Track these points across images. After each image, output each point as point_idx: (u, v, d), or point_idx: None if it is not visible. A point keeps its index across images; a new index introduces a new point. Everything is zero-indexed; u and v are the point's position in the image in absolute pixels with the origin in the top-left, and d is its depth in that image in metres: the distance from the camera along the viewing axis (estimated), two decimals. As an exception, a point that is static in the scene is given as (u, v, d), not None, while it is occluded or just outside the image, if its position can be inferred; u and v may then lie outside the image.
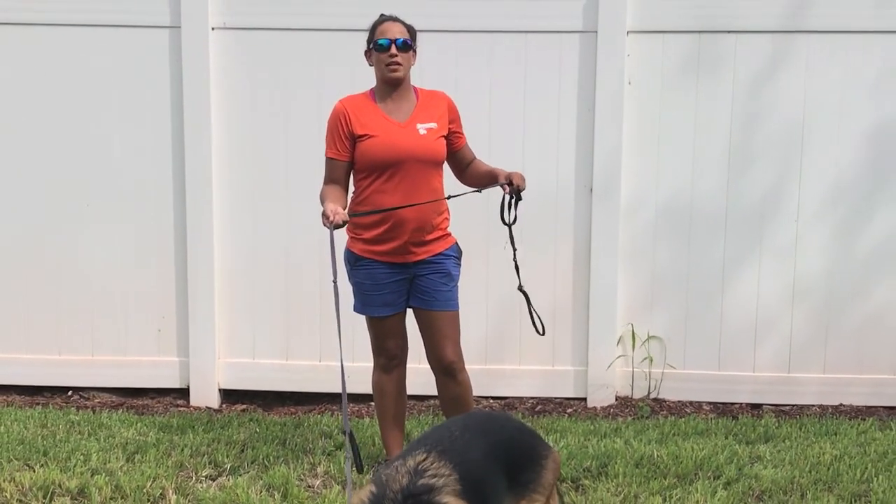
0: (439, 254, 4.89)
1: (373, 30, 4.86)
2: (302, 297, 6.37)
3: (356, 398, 6.42)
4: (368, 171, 4.81)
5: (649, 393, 6.35)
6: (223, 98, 6.23)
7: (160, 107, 6.25)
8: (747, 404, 6.35)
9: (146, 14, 6.20)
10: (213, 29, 6.16)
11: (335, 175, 4.88)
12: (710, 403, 6.36)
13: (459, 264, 5.02)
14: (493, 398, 6.35)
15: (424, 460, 3.00)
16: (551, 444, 3.53)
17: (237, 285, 6.37)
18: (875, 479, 4.97)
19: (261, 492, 4.75)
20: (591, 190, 6.15)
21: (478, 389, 6.28)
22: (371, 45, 4.84)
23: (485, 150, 6.12)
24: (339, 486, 4.84)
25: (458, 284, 4.99)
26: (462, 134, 5.01)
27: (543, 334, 5.06)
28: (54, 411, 6.09)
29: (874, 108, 6.12)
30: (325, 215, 4.60)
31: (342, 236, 4.80)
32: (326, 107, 6.12)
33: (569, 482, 4.95)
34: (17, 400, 6.39)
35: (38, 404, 6.29)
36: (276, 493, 4.72)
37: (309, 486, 4.88)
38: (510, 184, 4.83)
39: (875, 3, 6.00)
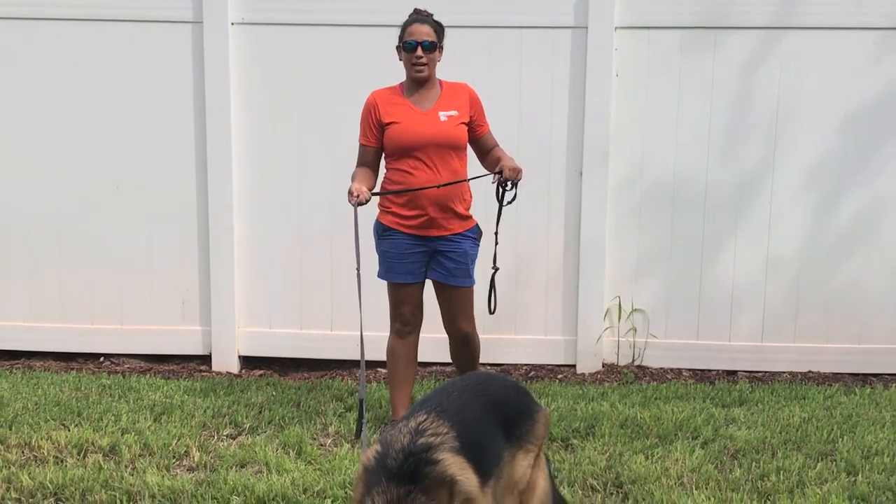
0: (459, 234, 4.99)
1: (403, 28, 4.97)
2: (314, 272, 6.38)
3: (367, 364, 6.40)
4: (395, 154, 4.95)
5: (633, 360, 6.36)
6: (242, 88, 6.21)
7: (183, 98, 6.23)
8: (723, 371, 6.36)
9: (171, 10, 6.18)
10: (232, 24, 6.14)
11: (365, 159, 5.03)
12: (689, 370, 6.37)
13: (478, 244, 5.10)
14: (490, 364, 6.36)
15: (424, 420, 3.01)
16: (542, 404, 3.55)
17: (255, 261, 6.37)
18: (840, 439, 4.99)
19: (277, 450, 4.77)
20: (581, 174, 6.14)
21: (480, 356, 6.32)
22: (400, 43, 4.96)
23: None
24: (349, 445, 4.86)
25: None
26: (484, 123, 5.10)
27: (493, 314, 5.19)
28: (87, 376, 6.10)
29: (846, 99, 6.10)
30: (350, 193, 4.78)
31: (365, 226, 4.83)
32: (338, 95, 6.19)
33: (559, 441, 4.97)
34: (53, 366, 6.40)
35: (72, 369, 6.31)
36: (290, 451, 4.74)
37: (321, 445, 4.90)
38: (500, 173, 4.89)
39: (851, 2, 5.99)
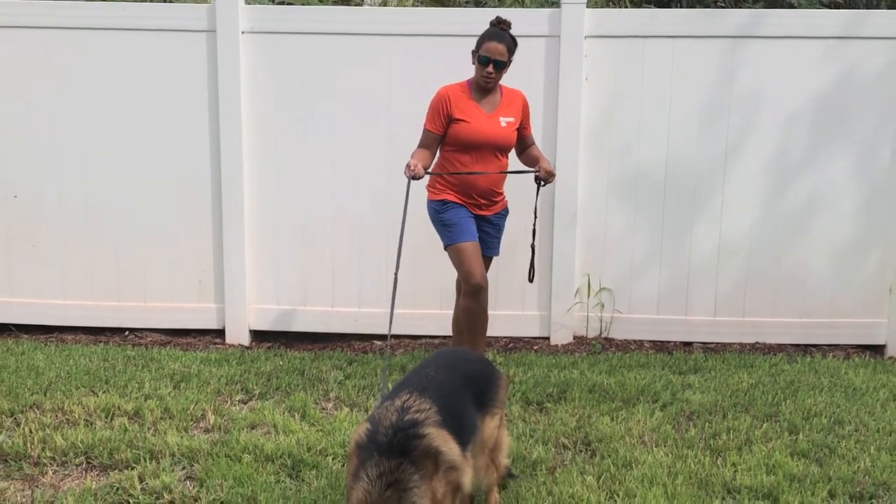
0: (497, 213, 5.26)
1: (482, 39, 5.04)
2: (317, 254, 6.37)
3: (364, 337, 6.44)
4: (457, 147, 5.09)
5: (601, 333, 6.38)
6: (252, 91, 6.18)
7: (199, 99, 6.19)
8: (680, 342, 6.38)
9: (187, 20, 6.13)
10: (242, 33, 6.11)
11: (427, 143, 5.11)
12: (650, 342, 6.39)
13: (506, 219, 5.38)
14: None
15: (408, 399, 3.04)
16: (509, 373, 3.55)
17: (263, 245, 6.36)
18: (783, 402, 5.03)
19: (283, 413, 4.78)
20: (555, 167, 6.13)
21: (461, 330, 6.32)
22: (476, 52, 5.06)
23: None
24: (348, 409, 4.87)
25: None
26: (529, 126, 5.30)
27: (532, 281, 5.44)
28: (114, 348, 6.09)
29: (792, 100, 6.11)
30: (408, 165, 4.86)
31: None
32: (338, 97, 6.17)
33: (534, 405, 4.99)
34: (83, 339, 6.39)
35: (100, 342, 6.29)
36: (296, 414, 4.76)
37: (323, 409, 4.91)
38: (538, 172, 5.09)
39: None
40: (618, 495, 3.83)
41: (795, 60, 6.07)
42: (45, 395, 4.95)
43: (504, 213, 5.32)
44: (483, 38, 5.02)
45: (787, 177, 6.19)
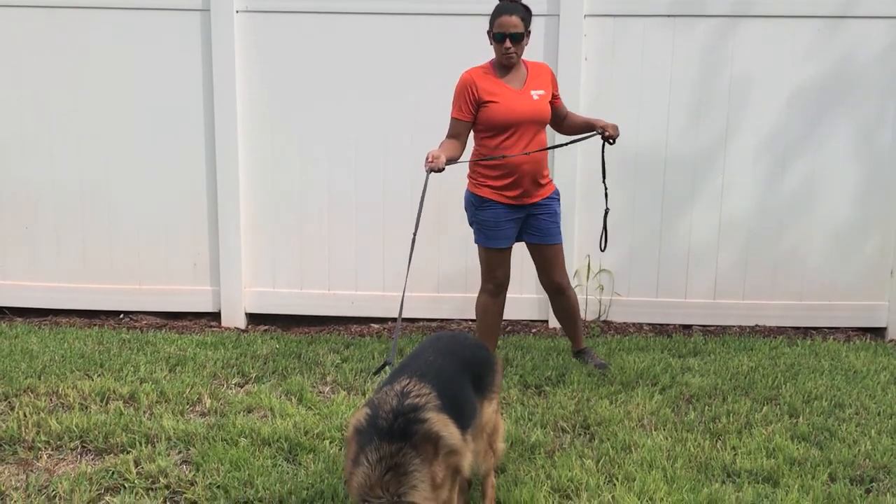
0: (548, 197, 5.06)
1: (493, 16, 4.91)
2: (313, 237, 6.35)
3: (361, 320, 6.43)
4: (493, 130, 4.91)
5: (600, 316, 6.37)
6: (247, 71, 6.14)
7: (194, 79, 6.16)
8: (680, 325, 6.38)
9: (182, -1, 6.12)
10: (237, 12, 6.07)
11: (456, 131, 4.94)
12: (649, 324, 6.39)
13: (560, 203, 5.19)
14: (471, 320, 6.35)
15: (408, 384, 3.02)
16: (507, 357, 3.54)
17: (259, 227, 6.34)
18: (783, 385, 5.03)
19: (280, 396, 4.77)
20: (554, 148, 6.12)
21: (458, 313, 6.34)
22: (490, 32, 4.92)
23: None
24: (345, 392, 4.86)
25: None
26: (559, 96, 5.14)
27: (603, 251, 5.43)
28: (109, 331, 6.08)
29: (792, 80, 6.08)
30: (427, 158, 4.64)
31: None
32: (337, 79, 6.13)
33: (533, 388, 4.99)
34: (78, 322, 6.37)
35: (95, 325, 6.28)
36: (293, 398, 4.75)
37: (320, 392, 4.90)
38: (603, 131, 4.97)
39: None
40: (617, 479, 3.82)
41: (795, 40, 6.04)
42: (40, 379, 4.93)
43: (555, 195, 5.12)
44: (494, 15, 4.87)
45: (787, 158, 6.17)
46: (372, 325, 6.39)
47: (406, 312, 6.24)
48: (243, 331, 6.29)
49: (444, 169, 4.67)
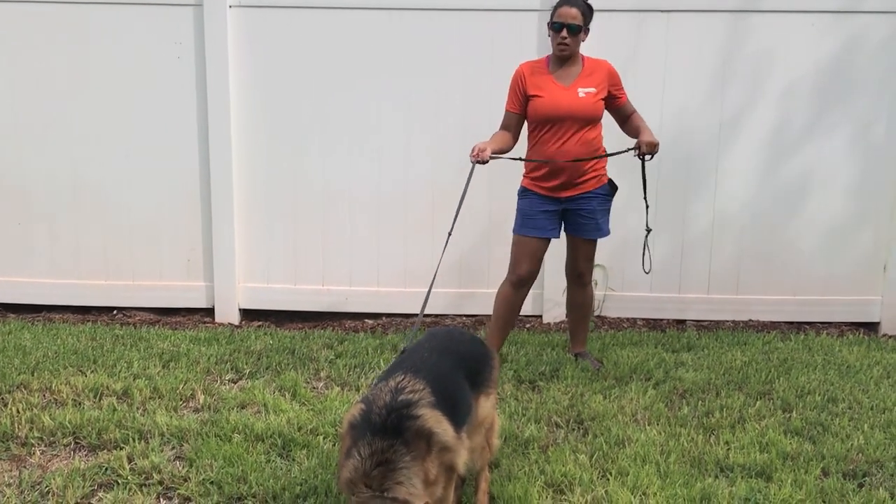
0: (589, 192, 5.05)
1: (555, 7, 4.95)
2: (307, 233, 6.34)
3: (355, 316, 6.42)
4: (536, 124, 5.00)
5: (594, 311, 6.37)
6: (240, 67, 6.13)
7: (187, 75, 6.14)
8: (673, 320, 6.39)
9: (175, -6, 6.10)
10: (230, 6, 6.05)
11: (507, 123, 5.08)
12: (643, 319, 6.40)
13: (610, 199, 5.19)
14: (466, 315, 6.37)
15: (402, 380, 3.02)
16: (501, 352, 3.53)
17: (253, 223, 6.33)
18: (777, 380, 5.04)
19: (274, 392, 4.77)
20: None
21: (452, 308, 6.35)
22: (549, 22, 4.95)
23: (459, 108, 6.11)
24: (339, 388, 4.86)
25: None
26: (621, 94, 5.10)
27: (648, 273, 5.35)
28: (102, 327, 6.07)
29: (787, 75, 6.09)
30: (472, 149, 4.77)
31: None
32: (330, 74, 6.12)
33: (527, 383, 4.99)
34: (71, 318, 6.36)
35: (88, 321, 6.27)
36: (286, 394, 4.74)
37: (314, 388, 4.89)
38: (638, 148, 4.95)
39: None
40: (610, 473, 3.83)
41: (793, 35, 6.04)
42: (33, 375, 4.92)
43: (598, 191, 5.08)
44: (556, 6, 4.94)
45: (783, 152, 6.18)
46: (366, 320, 6.38)
47: (401, 307, 6.29)
48: (237, 326, 6.28)
49: (488, 161, 4.78)
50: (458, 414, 3.11)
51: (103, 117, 6.22)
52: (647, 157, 4.98)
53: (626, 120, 5.15)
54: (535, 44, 6.00)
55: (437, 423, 2.92)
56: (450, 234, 4.52)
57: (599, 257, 6.22)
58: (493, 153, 4.81)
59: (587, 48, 5.17)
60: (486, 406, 3.42)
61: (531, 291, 6.21)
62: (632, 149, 4.98)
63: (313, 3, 6.07)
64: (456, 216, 4.59)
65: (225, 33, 6.04)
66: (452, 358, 3.37)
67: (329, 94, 6.16)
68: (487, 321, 6.27)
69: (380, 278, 6.36)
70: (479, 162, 4.73)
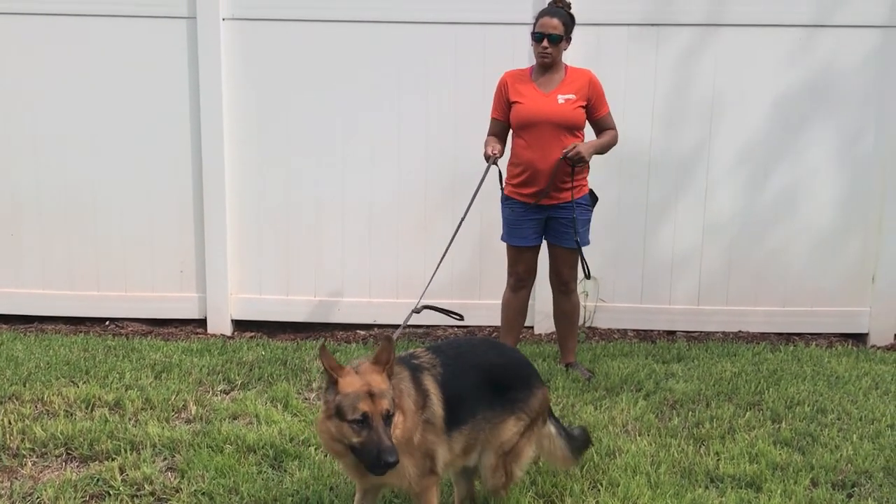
0: (570, 201, 5.06)
1: (536, 17, 5.08)
2: (299, 244, 6.34)
3: (347, 327, 6.41)
4: (517, 129, 5.07)
5: (584, 322, 6.36)
6: (233, 80, 6.13)
7: (180, 88, 6.14)
8: (664, 331, 6.39)
9: (168, 6, 6.07)
10: (223, 19, 6.06)
11: (494, 130, 5.20)
12: (633, 330, 6.40)
13: (590, 209, 5.23)
14: (456, 327, 6.36)
15: (423, 353, 3.29)
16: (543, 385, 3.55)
17: (245, 234, 6.32)
18: (766, 391, 5.05)
19: (266, 403, 4.76)
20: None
21: (446, 320, 6.30)
22: (532, 31, 5.06)
23: (450, 118, 6.13)
24: (331, 399, 4.85)
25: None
26: (601, 107, 5.14)
27: (588, 278, 5.25)
28: (94, 338, 6.05)
29: (773, 87, 6.11)
30: (487, 148, 5.00)
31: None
32: (319, 83, 6.13)
33: (518, 394, 4.98)
34: (63, 329, 6.34)
35: (80, 332, 6.24)
36: (278, 405, 4.73)
37: (306, 399, 4.89)
38: (566, 154, 4.96)
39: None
40: (601, 484, 3.83)
41: (776, 48, 6.07)
42: (25, 386, 4.90)
43: (582, 201, 5.11)
44: (538, 16, 5.07)
45: (770, 163, 6.20)
46: (358, 331, 6.38)
47: (392, 318, 6.27)
48: (229, 337, 6.27)
49: (496, 161, 4.99)
50: (458, 412, 3.20)
51: (96, 129, 6.21)
52: (572, 164, 4.94)
53: (599, 134, 5.20)
54: (526, 54, 6.01)
55: (433, 390, 3.15)
56: (460, 223, 4.79)
57: (591, 267, 6.25)
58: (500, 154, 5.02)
59: (589, 63, 5.22)
60: (512, 429, 3.37)
61: (522, 303, 6.25)
62: (566, 149, 4.94)
63: (304, 16, 6.09)
64: (467, 210, 4.83)
65: (218, 46, 6.05)
66: (484, 361, 3.45)
67: (320, 104, 6.16)
68: (479, 331, 6.29)
69: (371, 289, 6.36)
70: (494, 161, 4.94)
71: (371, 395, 2.85)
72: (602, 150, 5.13)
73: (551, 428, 3.57)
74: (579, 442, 3.72)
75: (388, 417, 2.86)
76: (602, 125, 5.17)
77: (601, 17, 6.04)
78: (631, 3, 6.07)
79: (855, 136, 6.16)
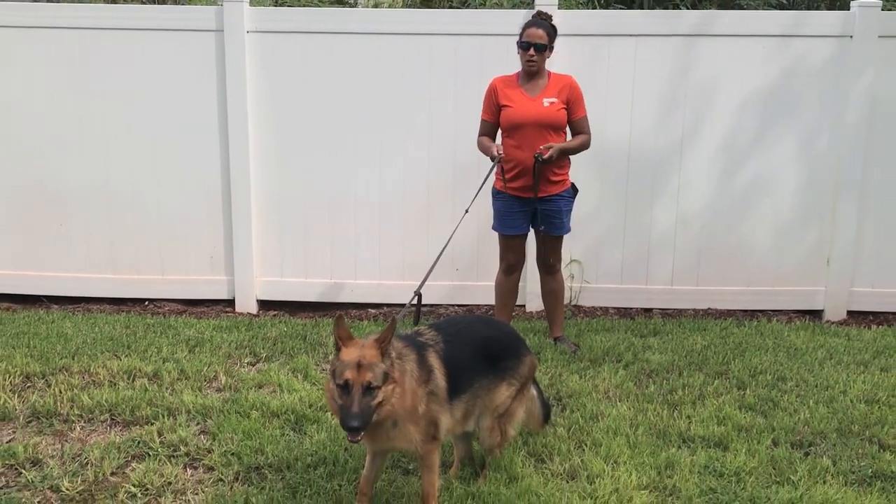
0: (556, 194, 5.10)
1: (523, 28, 5.06)
2: (316, 232, 6.33)
3: (360, 306, 6.42)
4: (506, 131, 5.07)
5: (571, 301, 6.36)
6: (257, 85, 6.11)
7: (210, 92, 6.11)
8: (641, 309, 6.38)
9: (198, 21, 6.06)
10: (248, 32, 6.04)
11: (485, 131, 5.19)
12: (614, 308, 6.39)
13: (572, 200, 5.24)
14: (458, 305, 6.36)
15: (426, 330, 3.31)
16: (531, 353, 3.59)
17: (269, 223, 6.31)
18: (732, 361, 5.06)
19: (288, 374, 4.77)
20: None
21: (447, 299, 6.34)
22: (518, 41, 5.05)
23: (450, 121, 6.10)
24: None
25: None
26: (578, 110, 5.11)
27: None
28: (135, 317, 6.05)
29: (740, 91, 6.09)
30: (492, 148, 4.96)
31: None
32: (335, 87, 6.11)
33: (512, 365, 4.99)
34: (107, 308, 6.34)
35: (122, 311, 6.25)
36: (299, 375, 4.75)
37: (323, 370, 4.89)
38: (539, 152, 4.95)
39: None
40: (586, 444, 3.84)
41: (744, 57, 6.04)
42: (73, 359, 4.91)
43: (566, 193, 5.14)
44: (524, 27, 5.05)
45: (737, 160, 6.18)
46: (369, 310, 6.38)
47: (397, 298, 6.27)
48: (255, 316, 6.27)
49: (499, 159, 4.97)
50: (459, 381, 3.23)
51: (135, 130, 6.19)
52: (539, 160, 4.89)
53: (574, 136, 5.18)
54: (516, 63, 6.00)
55: (438, 365, 3.18)
56: (466, 211, 4.93)
57: (575, 253, 6.26)
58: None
59: (575, 72, 5.22)
60: (505, 393, 3.42)
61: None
62: (542, 147, 4.92)
63: (321, 28, 6.06)
64: (475, 197, 4.93)
65: (243, 55, 6.03)
66: (479, 335, 3.49)
67: (335, 107, 6.14)
68: (476, 310, 6.29)
69: (381, 272, 6.35)
70: (500, 159, 4.93)
71: (358, 366, 2.88)
72: (570, 152, 5.11)
73: (534, 391, 3.66)
74: (548, 409, 3.84)
75: (368, 388, 2.88)
76: (577, 128, 5.15)
77: (584, 27, 6.01)
78: (613, 16, 6.02)
79: (812, 135, 6.13)
